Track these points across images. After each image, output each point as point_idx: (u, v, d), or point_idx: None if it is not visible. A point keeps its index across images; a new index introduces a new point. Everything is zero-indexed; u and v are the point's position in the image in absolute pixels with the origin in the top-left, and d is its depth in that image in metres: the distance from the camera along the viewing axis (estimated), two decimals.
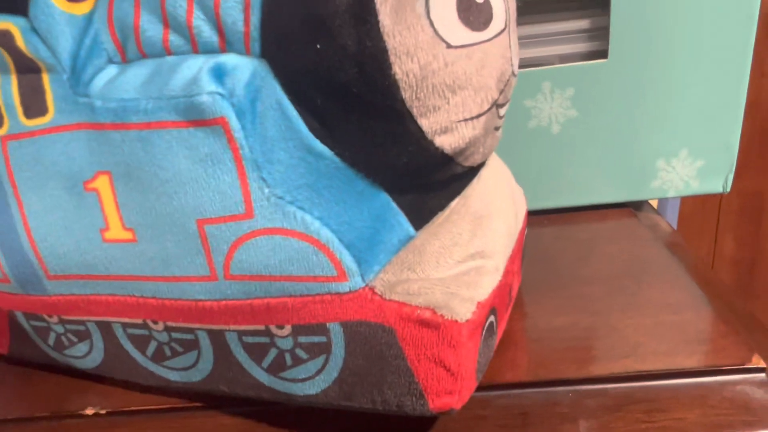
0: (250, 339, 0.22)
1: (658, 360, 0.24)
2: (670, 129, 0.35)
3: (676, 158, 0.36)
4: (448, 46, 0.18)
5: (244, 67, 0.19)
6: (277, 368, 0.22)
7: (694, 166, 0.36)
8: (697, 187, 0.37)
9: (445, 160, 0.20)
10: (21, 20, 0.21)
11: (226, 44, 0.19)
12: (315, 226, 0.20)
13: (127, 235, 0.22)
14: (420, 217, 0.21)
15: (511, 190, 0.26)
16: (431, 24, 0.18)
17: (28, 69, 0.22)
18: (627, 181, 0.37)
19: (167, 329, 0.24)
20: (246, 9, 0.19)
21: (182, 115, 0.20)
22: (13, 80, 0.23)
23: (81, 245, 0.23)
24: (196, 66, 0.20)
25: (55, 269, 0.24)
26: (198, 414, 0.25)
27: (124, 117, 0.21)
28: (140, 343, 0.25)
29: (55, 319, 0.26)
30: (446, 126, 0.19)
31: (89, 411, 0.26)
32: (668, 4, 0.33)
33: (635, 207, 0.38)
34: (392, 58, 0.17)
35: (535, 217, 0.38)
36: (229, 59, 0.19)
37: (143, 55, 0.21)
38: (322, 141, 0.19)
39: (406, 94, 0.18)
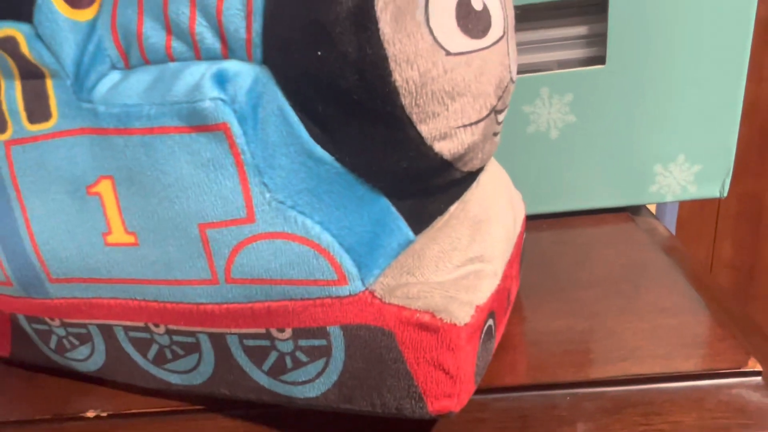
0: (250, 342, 0.22)
1: (656, 363, 0.25)
2: (668, 134, 0.36)
3: (673, 163, 0.36)
4: (448, 53, 0.18)
5: (246, 73, 0.19)
6: (277, 371, 0.22)
7: (691, 171, 0.36)
8: (694, 192, 0.37)
9: (445, 165, 0.20)
10: (25, 27, 0.22)
11: (228, 51, 0.20)
12: (315, 230, 0.20)
13: (129, 239, 0.22)
14: (419, 221, 0.21)
15: (510, 195, 0.27)
16: (431, 32, 0.18)
17: (32, 75, 0.22)
18: (625, 185, 0.37)
19: (168, 332, 0.24)
20: (248, 16, 0.19)
21: (185, 121, 0.20)
22: (17, 86, 0.23)
23: (83, 249, 0.23)
24: (199, 72, 0.20)
25: (58, 273, 0.24)
26: (199, 417, 0.25)
27: (127, 122, 0.21)
28: (141, 346, 0.25)
29: (56, 322, 0.26)
30: (445, 132, 0.19)
31: (90, 414, 0.26)
32: (665, 11, 0.33)
33: (633, 211, 0.39)
34: (392, 65, 0.18)
35: (533, 221, 0.38)
36: (231, 66, 0.20)
37: (146, 62, 0.21)
38: (323, 146, 0.19)
39: (405, 101, 0.18)
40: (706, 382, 0.24)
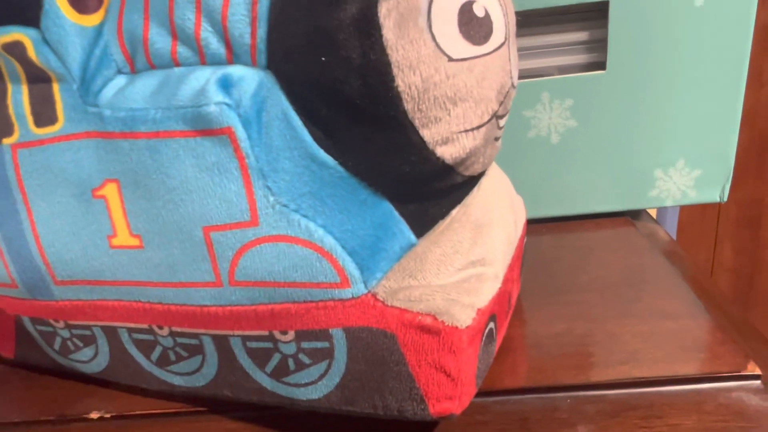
0: (253, 344, 0.23)
1: (656, 367, 0.25)
2: (668, 139, 0.36)
3: (673, 168, 0.37)
4: (450, 59, 0.18)
5: (250, 78, 0.20)
6: (280, 373, 0.23)
7: (691, 175, 0.37)
8: (694, 197, 0.37)
9: (446, 169, 0.20)
10: (33, 32, 0.22)
11: (233, 56, 0.20)
12: (319, 233, 0.20)
13: (134, 242, 0.22)
14: (421, 225, 0.21)
15: (511, 199, 0.27)
16: (433, 38, 0.18)
17: (38, 79, 0.23)
18: (625, 190, 0.37)
19: (172, 334, 0.24)
20: (253, 22, 0.19)
21: (190, 125, 0.20)
22: (24, 90, 0.23)
23: (88, 251, 0.23)
24: (204, 77, 0.20)
25: (63, 275, 0.24)
26: (201, 418, 0.25)
27: (132, 126, 0.21)
28: (145, 347, 0.25)
29: (61, 324, 0.26)
30: (447, 137, 0.19)
31: (94, 415, 0.26)
32: (665, 17, 0.34)
33: (633, 216, 0.39)
34: (395, 71, 0.18)
35: (534, 225, 0.38)
36: (236, 71, 0.20)
37: (152, 66, 0.21)
38: (326, 150, 0.20)
39: (408, 106, 0.18)
40: (706, 385, 0.24)
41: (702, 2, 0.33)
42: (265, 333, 0.22)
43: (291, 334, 0.22)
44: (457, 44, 0.18)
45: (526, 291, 0.31)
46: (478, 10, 0.19)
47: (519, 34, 0.35)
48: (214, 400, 0.25)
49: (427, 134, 0.19)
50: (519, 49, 0.35)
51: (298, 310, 0.21)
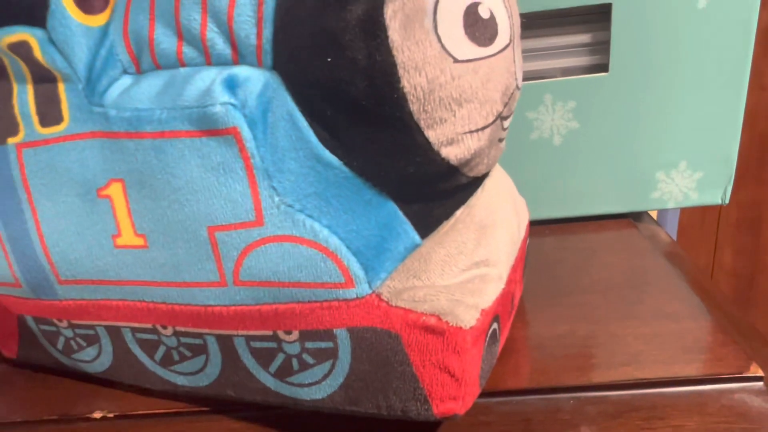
0: (257, 344, 0.23)
1: (658, 368, 0.25)
2: (670, 141, 0.36)
3: (675, 170, 0.37)
4: (455, 60, 0.19)
5: (256, 79, 0.20)
6: (284, 373, 0.23)
7: (693, 177, 0.37)
8: (696, 199, 0.37)
9: (451, 170, 0.20)
10: (39, 32, 0.22)
11: (238, 57, 0.20)
12: (323, 233, 0.20)
13: (139, 242, 0.22)
14: (426, 225, 0.21)
15: (514, 201, 0.27)
16: (438, 39, 0.18)
17: (44, 79, 0.23)
18: (627, 192, 0.37)
19: (176, 334, 0.24)
20: (259, 23, 0.19)
21: (195, 125, 0.20)
22: (30, 90, 0.23)
23: (93, 251, 0.23)
24: (210, 77, 0.20)
25: (67, 274, 0.24)
26: (204, 418, 0.25)
27: (138, 126, 0.21)
28: (149, 347, 0.25)
29: (64, 323, 0.26)
30: (452, 138, 0.19)
31: (97, 414, 0.26)
32: (668, 19, 0.34)
33: (635, 218, 0.39)
34: (401, 72, 0.18)
35: (536, 227, 0.38)
36: (242, 71, 0.20)
37: (157, 67, 0.21)
38: (332, 151, 0.20)
39: (413, 107, 0.18)
40: (708, 387, 0.24)
41: (704, 4, 0.33)
42: (269, 333, 0.22)
43: (295, 334, 0.22)
44: (462, 46, 0.19)
45: (529, 292, 0.31)
46: (484, 12, 0.19)
47: (522, 36, 0.35)
48: (218, 400, 0.25)
49: (432, 135, 0.19)
50: (522, 52, 0.35)
51: (303, 310, 0.21)
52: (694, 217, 0.98)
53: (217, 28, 0.20)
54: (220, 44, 0.20)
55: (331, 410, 0.23)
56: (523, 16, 0.34)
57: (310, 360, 0.22)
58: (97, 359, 0.27)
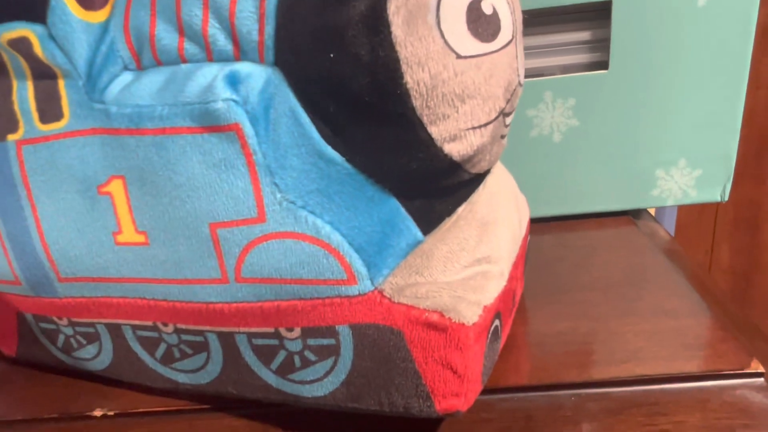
0: (259, 341, 0.23)
1: (659, 364, 0.25)
2: (669, 139, 0.36)
3: (674, 167, 0.37)
4: (458, 56, 0.18)
5: (258, 75, 0.20)
6: (285, 370, 0.23)
7: (692, 175, 0.37)
8: (695, 196, 0.37)
9: (454, 166, 0.20)
10: (39, 27, 0.22)
11: (240, 53, 0.20)
12: (326, 230, 0.20)
13: (140, 239, 0.22)
14: (428, 222, 0.21)
15: (515, 198, 0.27)
16: (441, 35, 0.18)
17: (44, 75, 0.23)
18: (627, 189, 0.37)
19: (177, 331, 0.24)
20: (261, 19, 0.19)
21: (197, 121, 0.20)
22: (30, 86, 0.23)
23: (93, 248, 0.23)
24: (211, 73, 0.20)
25: (67, 272, 0.24)
26: (205, 416, 0.25)
27: (139, 123, 0.21)
28: (149, 345, 0.25)
29: (64, 321, 0.26)
30: (455, 134, 0.19)
31: (97, 412, 0.26)
32: (668, 17, 0.34)
33: (634, 215, 0.39)
34: (404, 68, 0.18)
35: (536, 224, 0.38)
36: (244, 67, 0.20)
37: (158, 63, 0.21)
38: (334, 147, 0.20)
39: (416, 103, 0.18)
40: (710, 383, 0.24)
41: (704, 2, 0.33)
42: (271, 330, 0.22)
43: (297, 331, 0.22)
44: (465, 41, 0.19)
45: (530, 290, 0.31)
46: (486, 8, 0.19)
47: (523, 34, 0.35)
48: (219, 398, 0.25)
49: (435, 131, 0.19)
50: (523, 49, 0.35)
51: (305, 306, 0.21)
52: (691, 215, 0.98)
53: (218, 24, 0.20)
54: (221, 40, 0.20)
55: (332, 407, 0.23)
56: (523, 13, 0.34)
57: (312, 357, 0.22)
58: (97, 357, 0.27)
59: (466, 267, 0.22)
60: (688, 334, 0.27)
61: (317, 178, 0.20)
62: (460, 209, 0.22)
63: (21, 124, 0.23)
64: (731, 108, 0.35)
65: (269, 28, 0.19)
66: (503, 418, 0.24)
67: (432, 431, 0.23)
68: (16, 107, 0.23)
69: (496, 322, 0.23)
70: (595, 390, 0.24)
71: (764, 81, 0.87)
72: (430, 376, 0.21)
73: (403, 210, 0.21)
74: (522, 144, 0.37)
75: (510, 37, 0.20)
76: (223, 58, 0.20)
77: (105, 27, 0.22)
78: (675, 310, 0.29)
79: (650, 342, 0.26)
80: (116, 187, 0.22)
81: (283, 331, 0.22)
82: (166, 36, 0.21)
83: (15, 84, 0.23)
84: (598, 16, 0.35)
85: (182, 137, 0.20)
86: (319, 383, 0.22)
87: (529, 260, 0.31)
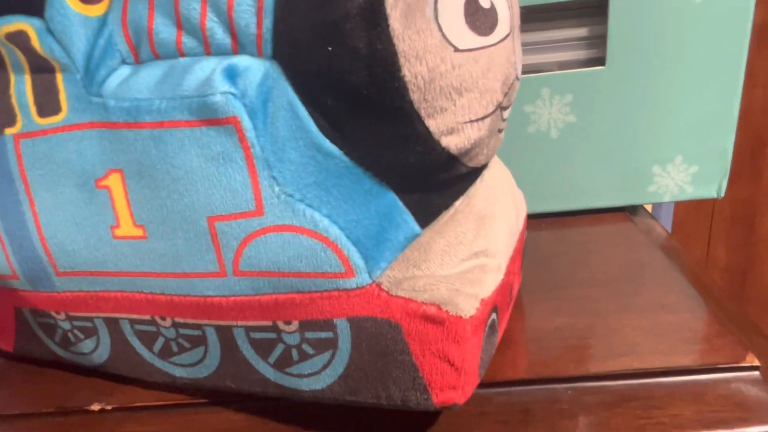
0: (257, 335, 0.23)
1: (655, 358, 0.25)
2: (666, 135, 0.36)
3: (671, 164, 0.37)
4: (456, 49, 0.19)
5: (256, 68, 0.20)
6: (283, 363, 0.23)
7: (688, 171, 0.37)
8: (691, 193, 0.37)
9: (451, 160, 0.20)
10: (37, 21, 0.22)
11: (238, 46, 0.20)
12: (324, 223, 0.20)
13: (138, 232, 0.22)
14: (426, 215, 0.21)
15: (512, 193, 0.27)
16: (439, 28, 0.18)
17: (42, 69, 0.23)
18: (624, 185, 0.38)
19: (175, 325, 0.24)
20: (259, 12, 0.19)
21: (195, 115, 0.20)
22: (28, 80, 0.23)
23: (91, 242, 0.23)
24: (209, 67, 0.20)
25: (65, 266, 0.24)
26: (204, 410, 0.25)
27: (137, 116, 0.21)
28: (147, 339, 0.25)
29: (62, 315, 0.26)
30: (452, 127, 0.19)
31: (95, 407, 0.26)
32: (664, 14, 0.34)
33: (631, 211, 0.39)
34: (402, 61, 0.18)
35: (533, 220, 0.38)
36: (242, 61, 0.20)
37: (156, 57, 0.21)
38: (332, 141, 0.20)
39: (414, 96, 0.19)
40: (705, 376, 0.24)
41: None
42: (269, 323, 0.22)
43: (295, 324, 0.22)
44: (463, 35, 0.19)
45: (527, 286, 0.31)
46: (484, 2, 0.19)
47: (520, 30, 0.35)
48: (217, 392, 0.25)
49: (432, 124, 0.19)
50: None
51: (303, 300, 0.21)
52: (688, 213, 0.98)
53: (216, 17, 0.20)
54: (219, 34, 0.20)
55: (330, 400, 0.23)
56: (521, 9, 0.34)
57: (309, 350, 0.22)
58: (95, 351, 0.27)
59: (464, 260, 0.22)
60: (685, 329, 0.27)
61: (315, 171, 0.20)
62: (457, 203, 0.22)
63: (19, 117, 0.23)
64: (727, 105, 0.35)
65: (267, 22, 0.19)
66: (501, 411, 0.24)
67: (430, 425, 0.24)
68: (14, 101, 0.23)
69: (493, 316, 0.23)
70: (592, 384, 0.24)
71: (761, 80, 0.88)
72: (427, 368, 0.21)
73: (400, 203, 0.21)
74: (519, 140, 0.37)
75: (507, 31, 0.20)
76: (221, 52, 0.20)
77: (103, 20, 0.22)
78: (672, 305, 0.29)
79: (647, 337, 0.26)
80: (114, 181, 0.22)
81: (281, 324, 0.22)
82: (164, 30, 0.21)
83: (13, 78, 0.23)
84: (595, 12, 0.35)
85: (180, 131, 0.21)
86: (317, 376, 0.22)
87: (526, 256, 0.32)
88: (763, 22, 0.84)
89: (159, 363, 0.25)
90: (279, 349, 0.22)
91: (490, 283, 0.22)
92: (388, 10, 0.18)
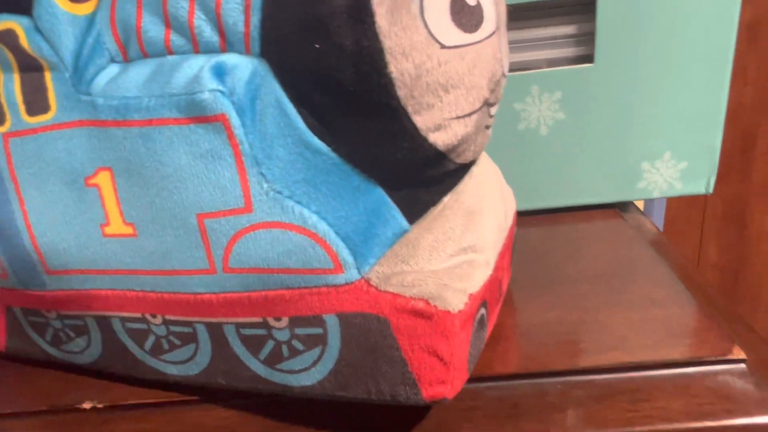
0: (247, 331, 0.23)
1: (644, 352, 0.25)
2: (655, 132, 0.37)
3: (660, 160, 0.37)
4: (442, 46, 0.19)
5: (244, 66, 0.20)
6: (274, 360, 0.23)
7: (677, 168, 0.37)
8: (680, 189, 0.38)
9: (439, 156, 0.20)
10: (25, 20, 0.22)
11: (226, 44, 0.20)
12: (312, 219, 0.20)
13: (128, 230, 0.22)
14: (414, 211, 0.22)
15: (501, 189, 0.27)
16: (425, 25, 0.18)
17: (30, 67, 0.23)
18: (613, 182, 0.38)
19: (165, 323, 0.24)
20: (246, 10, 0.19)
21: (183, 112, 0.20)
22: (16, 78, 0.23)
23: (81, 240, 0.23)
24: (198, 65, 0.20)
25: (55, 264, 0.24)
26: (195, 407, 0.25)
27: (125, 114, 0.21)
28: (138, 337, 0.25)
29: (53, 314, 0.26)
30: (440, 123, 0.20)
31: (86, 405, 0.26)
32: (652, 12, 0.34)
33: (621, 208, 0.39)
34: (388, 58, 0.18)
35: (523, 217, 0.38)
36: (230, 58, 0.20)
37: (145, 55, 0.21)
38: (320, 137, 0.20)
39: (401, 93, 0.19)
40: (692, 369, 0.24)
41: None
42: (259, 320, 0.22)
43: (285, 321, 0.22)
44: (449, 32, 0.19)
45: (517, 282, 0.31)
46: None
47: (508, 28, 0.35)
48: (208, 389, 0.25)
49: (419, 121, 0.19)
50: (509, 43, 0.36)
51: (292, 296, 0.21)
52: (679, 212, 0.99)
53: (204, 15, 0.20)
54: (207, 32, 0.20)
55: (321, 396, 0.23)
56: (508, 7, 0.34)
57: (299, 346, 0.22)
58: (86, 350, 0.27)
59: (452, 256, 0.22)
60: (673, 323, 0.27)
61: (303, 168, 0.20)
62: (446, 199, 0.23)
63: (8, 116, 0.23)
64: (715, 101, 0.36)
65: (255, 20, 0.19)
66: (490, 405, 0.24)
67: (420, 419, 0.24)
68: (3, 100, 0.23)
69: (482, 311, 0.23)
70: (581, 377, 0.25)
71: (751, 78, 0.88)
72: (416, 363, 0.21)
73: (388, 199, 0.21)
74: (509, 137, 0.37)
75: (493, 28, 0.20)
76: (209, 50, 0.20)
77: (91, 19, 0.22)
78: (661, 299, 0.29)
79: (636, 331, 0.27)
80: (104, 179, 0.22)
81: (271, 320, 0.22)
82: (153, 28, 0.21)
83: (1, 77, 0.23)
84: (584, 10, 0.35)
85: (169, 128, 0.21)
86: (307, 372, 0.22)
87: (516, 253, 0.32)
88: (753, 20, 0.84)
89: (150, 361, 0.25)
90: (269, 346, 0.23)
91: (478, 278, 0.22)
92: (374, 7, 0.18)
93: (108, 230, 0.23)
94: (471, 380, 0.23)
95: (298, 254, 0.21)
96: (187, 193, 0.21)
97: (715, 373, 0.24)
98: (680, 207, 0.98)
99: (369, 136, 0.20)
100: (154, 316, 0.24)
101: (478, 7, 0.20)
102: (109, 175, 0.22)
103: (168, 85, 0.20)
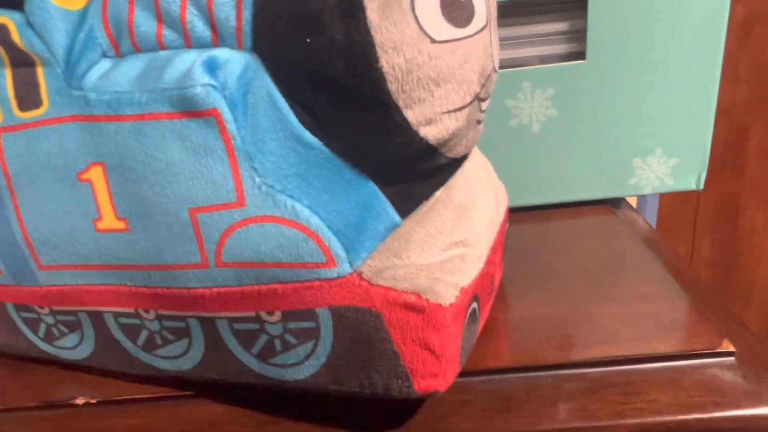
0: (240, 326, 0.23)
1: (634, 346, 0.25)
2: (646, 128, 0.37)
3: (651, 156, 0.37)
4: (433, 41, 0.19)
5: (236, 60, 0.20)
6: (266, 354, 0.23)
7: (668, 164, 0.38)
8: (671, 185, 0.38)
9: (430, 150, 0.21)
10: (16, 15, 0.22)
11: (218, 39, 0.20)
12: (304, 214, 0.20)
13: (120, 225, 0.22)
14: (406, 205, 0.22)
15: (493, 184, 0.27)
16: (416, 20, 0.19)
17: (22, 62, 0.23)
18: (605, 178, 0.38)
19: (158, 318, 0.24)
20: (238, 5, 0.20)
21: (176, 107, 0.20)
22: (8, 74, 0.23)
23: (74, 236, 0.23)
24: (190, 60, 0.20)
25: (47, 260, 0.24)
26: (188, 402, 0.25)
27: (118, 109, 0.21)
28: (131, 332, 0.25)
29: (46, 310, 0.26)
30: (431, 117, 0.20)
31: (79, 400, 0.26)
32: (643, 9, 0.34)
33: (613, 204, 0.39)
34: (379, 52, 0.18)
35: (515, 214, 0.39)
36: (222, 53, 0.20)
37: (137, 50, 0.21)
38: (312, 132, 0.20)
39: (392, 87, 0.19)
40: (682, 362, 0.24)
41: None
42: (252, 314, 0.22)
43: (277, 315, 0.22)
44: (439, 26, 0.19)
45: (509, 277, 0.31)
46: None
47: (500, 24, 0.35)
48: (201, 384, 0.25)
49: (410, 115, 0.19)
50: (501, 40, 0.36)
51: (285, 290, 0.21)
52: (672, 208, 0.99)
53: (196, 10, 0.20)
54: (199, 26, 0.20)
55: (314, 390, 0.23)
56: (501, 3, 0.34)
57: (292, 340, 0.22)
58: (79, 346, 0.27)
59: (444, 250, 0.22)
60: (664, 317, 0.27)
61: (295, 162, 0.20)
62: (437, 193, 0.23)
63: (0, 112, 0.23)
64: (705, 97, 0.36)
65: (247, 14, 0.20)
66: (482, 399, 0.24)
67: (413, 412, 0.24)
68: None
69: (474, 305, 0.23)
70: (572, 371, 0.25)
71: (743, 75, 0.89)
72: (408, 356, 0.21)
73: (380, 193, 0.21)
74: (501, 134, 0.37)
75: (484, 23, 0.20)
76: (201, 45, 0.21)
77: (83, 14, 0.22)
78: (651, 294, 0.29)
79: (627, 325, 0.27)
80: (96, 174, 0.22)
81: (263, 315, 0.22)
82: (145, 23, 0.21)
83: None
84: (575, 7, 0.35)
85: (161, 123, 0.21)
86: (300, 366, 0.23)
87: (508, 248, 0.32)
88: (744, 18, 0.85)
89: (143, 356, 0.26)
90: (262, 340, 0.23)
91: (470, 272, 0.22)
92: (365, 2, 0.18)
93: (100, 225, 0.23)
94: (463, 374, 0.24)
95: (290, 248, 0.21)
96: (180, 188, 0.21)
97: (705, 366, 0.24)
98: (673, 204, 0.99)
99: (360, 131, 0.20)
100: (147, 311, 0.24)
101: (469, 2, 0.20)
102: (102, 170, 0.22)
103: (160, 79, 0.20)
